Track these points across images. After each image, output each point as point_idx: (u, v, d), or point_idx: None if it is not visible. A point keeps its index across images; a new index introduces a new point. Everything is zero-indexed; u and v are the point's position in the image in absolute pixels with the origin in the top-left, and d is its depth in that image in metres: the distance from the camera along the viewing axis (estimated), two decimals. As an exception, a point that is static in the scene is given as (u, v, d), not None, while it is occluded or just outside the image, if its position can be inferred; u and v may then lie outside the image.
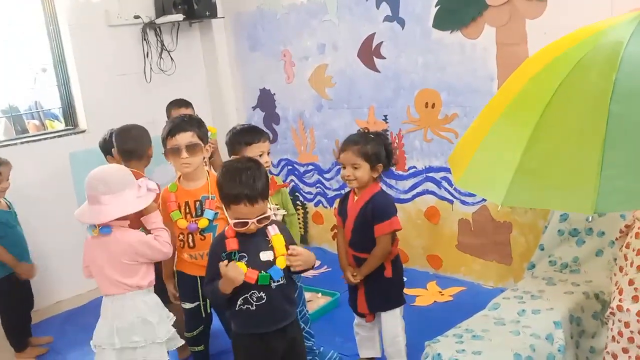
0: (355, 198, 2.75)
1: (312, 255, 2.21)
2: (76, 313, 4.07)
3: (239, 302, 2.16)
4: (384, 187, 4.06)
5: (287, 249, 2.16)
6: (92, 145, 4.06)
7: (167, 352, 2.58)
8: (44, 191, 4.06)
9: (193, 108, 4.02)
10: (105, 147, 3.53)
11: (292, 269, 2.17)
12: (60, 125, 4.81)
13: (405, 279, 3.84)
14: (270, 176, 2.84)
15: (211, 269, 2.20)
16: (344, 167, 2.71)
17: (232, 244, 2.15)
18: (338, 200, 2.98)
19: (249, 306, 2.16)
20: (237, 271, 2.08)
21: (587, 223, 2.96)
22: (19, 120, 5.49)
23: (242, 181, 2.10)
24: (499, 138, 2.05)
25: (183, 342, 2.67)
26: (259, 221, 2.13)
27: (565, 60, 1.95)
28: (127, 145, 3.19)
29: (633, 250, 2.21)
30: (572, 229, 3.00)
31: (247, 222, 2.11)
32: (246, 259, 2.15)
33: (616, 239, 2.50)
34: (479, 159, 2.08)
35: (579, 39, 2.04)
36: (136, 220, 2.58)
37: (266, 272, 2.13)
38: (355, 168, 2.67)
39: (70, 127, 4.44)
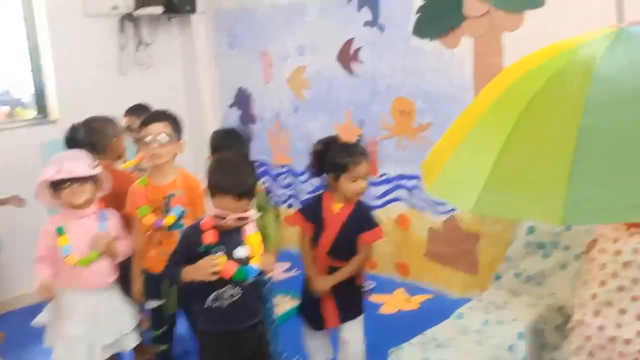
0: (337, 206, 2.65)
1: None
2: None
3: (210, 298, 2.13)
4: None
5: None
6: (63, 135, 3.98)
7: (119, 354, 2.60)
8: (12, 181, 3.92)
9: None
10: (70, 142, 3.36)
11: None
12: (31, 114, 4.71)
13: (374, 284, 3.87)
14: None
15: (179, 253, 2.19)
16: (355, 180, 2.58)
17: (210, 237, 2.12)
18: (304, 205, 2.89)
19: (220, 304, 2.13)
20: (209, 269, 2.06)
21: (553, 237, 2.99)
22: (-13, 107, 5.36)
23: (234, 174, 2.10)
24: (471, 147, 2.06)
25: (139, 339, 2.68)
26: (238, 219, 2.11)
27: (540, 73, 1.97)
28: (87, 139, 3.09)
29: (597, 265, 2.23)
30: (538, 241, 3.02)
31: (226, 217, 2.09)
32: (224, 252, 2.12)
33: (581, 253, 2.54)
34: (451, 166, 2.08)
35: (554, 52, 2.06)
36: None
37: (243, 268, 2.10)
38: (365, 177, 2.62)
39: (42, 116, 4.36)
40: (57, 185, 2.46)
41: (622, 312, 2.12)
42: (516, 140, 1.88)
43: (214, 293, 2.14)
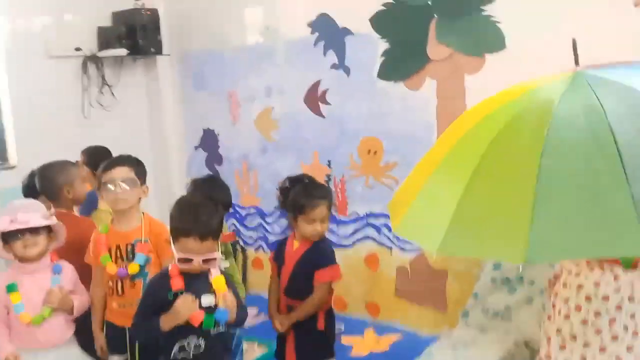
0: (296, 244, 2.70)
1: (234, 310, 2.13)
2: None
3: (174, 350, 2.08)
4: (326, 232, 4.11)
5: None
6: (22, 182, 3.92)
7: None
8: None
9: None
10: (27, 190, 3.31)
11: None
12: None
13: (342, 328, 3.86)
14: None
15: (146, 306, 2.12)
16: (313, 222, 2.63)
17: (178, 283, 2.07)
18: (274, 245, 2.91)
19: (186, 356, 2.08)
20: (189, 305, 2.01)
21: (518, 272, 3.04)
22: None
23: (196, 215, 2.06)
24: (435, 188, 2.10)
25: None
26: (204, 261, 2.06)
27: (500, 116, 2.03)
28: (40, 187, 3.06)
29: (561, 299, 2.28)
30: (504, 277, 3.08)
31: (192, 260, 2.04)
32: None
33: (545, 288, 2.59)
34: (416, 207, 2.12)
35: (511, 96, 2.14)
36: None
37: (211, 315, 2.05)
38: (323, 222, 2.65)
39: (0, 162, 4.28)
40: (9, 237, 2.40)
41: (587, 345, 2.17)
42: (478, 181, 1.93)
43: (177, 344, 2.08)
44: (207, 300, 2.08)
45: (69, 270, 2.57)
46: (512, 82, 2.22)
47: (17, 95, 4.20)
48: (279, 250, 2.80)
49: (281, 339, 2.76)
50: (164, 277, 2.12)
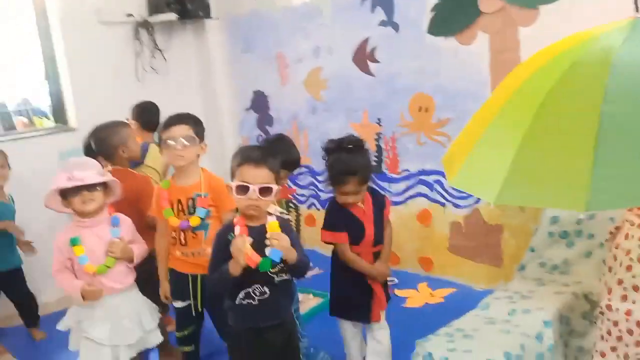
0: (361, 205, 2.72)
1: (292, 249, 2.14)
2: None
3: (240, 296, 2.16)
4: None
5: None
6: (82, 143, 4.05)
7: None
8: (32, 191, 3.96)
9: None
10: (87, 151, 3.43)
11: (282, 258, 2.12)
12: (49, 123, 4.79)
13: (395, 280, 3.91)
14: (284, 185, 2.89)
15: (217, 256, 2.17)
16: (345, 194, 2.65)
17: (242, 230, 2.12)
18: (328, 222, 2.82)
19: (251, 301, 2.15)
20: (240, 244, 2.05)
21: (576, 226, 3.01)
22: (7, 117, 5.43)
23: (251, 149, 2.19)
24: (492, 139, 2.09)
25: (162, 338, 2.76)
26: (261, 191, 2.09)
27: (558, 64, 2.00)
28: (96, 148, 3.17)
29: (622, 251, 2.25)
30: (562, 231, 3.04)
31: (248, 187, 2.08)
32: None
33: (605, 240, 2.55)
34: (472, 158, 2.12)
35: (571, 44, 2.09)
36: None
37: (267, 257, 2.09)
38: (355, 194, 2.66)
39: (60, 125, 4.43)
40: (67, 193, 2.50)
41: (649, 296, 2.15)
42: (537, 130, 1.92)
43: (244, 291, 2.16)
44: (266, 252, 2.11)
45: (126, 222, 2.68)
46: (567, 33, 2.17)
47: (73, 61, 4.33)
48: (340, 222, 2.76)
49: (359, 296, 2.76)
50: (228, 228, 2.17)
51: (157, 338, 2.74)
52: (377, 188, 2.83)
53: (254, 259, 2.08)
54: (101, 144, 3.13)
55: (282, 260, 2.13)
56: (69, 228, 2.58)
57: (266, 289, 2.15)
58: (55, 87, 4.39)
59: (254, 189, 2.08)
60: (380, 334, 2.77)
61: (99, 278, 2.54)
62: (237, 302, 2.17)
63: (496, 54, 3.44)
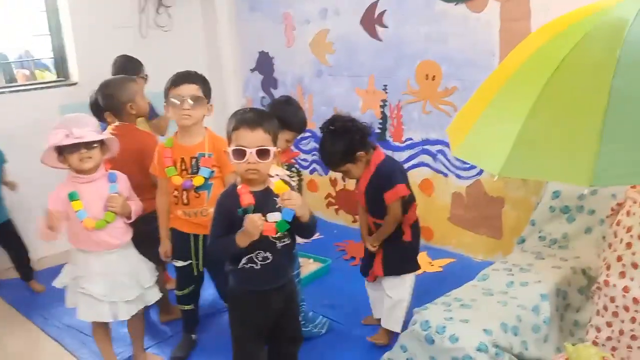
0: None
1: (306, 205, 2.13)
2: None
3: (242, 262, 2.14)
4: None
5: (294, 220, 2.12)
6: (83, 98, 4.00)
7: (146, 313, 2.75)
8: (31, 143, 3.94)
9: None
10: (93, 107, 3.44)
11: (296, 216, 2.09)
12: (51, 76, 4.74)
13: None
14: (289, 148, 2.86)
15: (218, 224, 2.14)
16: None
17: (248, 199, 2.07)
18: None
19: (254, 265, 2.14)
20: (257, 224, 2.02)
21: (578, 201, 2.99)
22: (8, 68, 5.39)
23: (244, 112, 2.14)
24: (499, 109, 2.06)
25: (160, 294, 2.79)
26: (258, 154, 2.05)
27: (569, 35, 1.95)
28: (103, 104, 3.12)
29: (623, 228, 2.24)
30: (563, 205, 3.03)
31: (245, 151, 2.04)
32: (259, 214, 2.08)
33: (607, 217, 2.54)
34: (478, 129, 2.09)
35: (583, 15, 2.04)
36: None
37: (280, 220, 2.07)
38: (347, 172, 2.77)
39: (62, 78, 4.38)
40: (64, 150, 2.47)
41: (647, 273, 2.14)
42: (545, 102, 1.89)
43: (246, 257, 2.14)
44: (273, 217, 2.10)
45: (123, 179, 2.66)
46: (580, 3, 2.12)
47: (77, 15, 4.25)
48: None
49: (368, 255, 2.92)
50: (231, 195, 2.12)
51: (156, 295, 2.75)
52: (388, 170, 2.75)
53: (271, 229, 2.07)
54: (109, 100, 3.08)
55: (295, 219, 2.10)
56: (65, 183, 2.56)
57: (269, 254, 2.14)
58: (57, 40, 4.33)
59: (250, 152, 2.04)
60: (390, 289, 2.84)
61: (97, 233, 2.54)
62: (239, 266, 2.16)
63: (506, 23, 3.37)
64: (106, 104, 3.10)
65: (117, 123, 3.05)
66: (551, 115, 1.86)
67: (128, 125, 3.05)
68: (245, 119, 2.09)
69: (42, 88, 4.28)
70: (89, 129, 2.48)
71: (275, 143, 2.14)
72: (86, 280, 2.57)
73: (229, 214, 2.10)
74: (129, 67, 3.73)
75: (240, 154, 2.06)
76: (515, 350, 2.34)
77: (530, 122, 1.88)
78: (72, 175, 2.55)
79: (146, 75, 3.82)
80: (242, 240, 2.06)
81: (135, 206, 2.65)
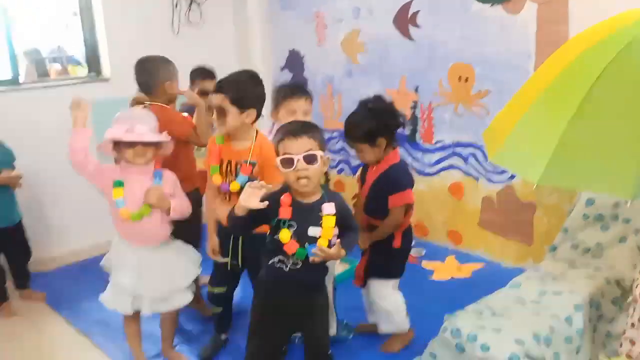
0: (375, 167, 2.75)
1: (341, 253, 2.15)
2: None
3: (274, 259, 2.16)
4: (409, 160, 4.06)
5: (342, 221, 2.14)
6: (115, 94, 4.04)
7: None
8: (62, 138, 3.99)
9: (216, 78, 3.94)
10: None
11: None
12: (83, 71, 4.78)
13: (422, 253, 3.88)
14: None
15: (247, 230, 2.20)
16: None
17: (285, 213, 2.10)
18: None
19: (283, 267, 2.15)
20: (249, 198, 2.04)
21: (613, 209, 2.93)
22: (41, 63, 5.45)
23: (291, 124, 2.17)
24: (539, 116, 2.02)
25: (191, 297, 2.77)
26: (306, 159, 2.06)
27: (613, 43, 1.91)
28: (138, 78, 3.08)
29: (662, 240, 2.19)
30: (597, 214, 2.97)
31: (293, 159, 2.05)
32: (294, 229, 2.10)
33: (644, 227, 2.49)
34: (516, 135, 2.05)
35: (628, 21, 1.99)
36: None
37: (305, 248, 2.10)
38: (361, 151, 2.70)
39: (94, 74, 4.42)
40: (122, 142, 2.52)
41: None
42: (587, 110, 1.84)
43: (278, 257, 2.15)
44: (313, 231, 2.11)
45: (169, 176, 2.67)
46: (621, 7, 2.07)
47: (109, 11, 4.28)
48: (363, 170, 2.85)
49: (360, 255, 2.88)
50: (276, 200, 2.11)
51: (187, 298, 2.75)
52: (400, 173, 2.71)
53: (292, 248, 2.10)
54: (146, 76, 3.04)
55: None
56: (119, 168, 2.61)
57: (299, 261, 2.14)
58: (90, 36, 4.36)
59: (298, 158, 2.05)
60: (380, 298, 2.81)
61: (133, 225, 2.56)
62: (270, 262, 2.18)
63: (543, 25, 3.31)
64: (143, 78, 3.06)
65: (148, 103, 3.00)
66: (594, 124, 1.82)
67: (161, 106, 3.00)
68: (289, 130, 2.11)
69: (74, 84, 4.31)
70: (149, 127, 2.53)
71: (323, 150, 2.13)
72: (117, 269, 2.62)
73: (263, 212, 2.08)
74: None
75: (288, 162, 2.06)
76: (548, 362, 2.29)
77: (571, 131, 1.84)
78: (123, 164, 2.59)
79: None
80: (238, 208, 2.08)
81: (176, 203, 2.63)
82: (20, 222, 3.52)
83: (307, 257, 2.11)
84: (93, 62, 4.42)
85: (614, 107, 1.81)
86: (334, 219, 2.12)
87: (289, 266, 2.16)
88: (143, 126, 2.50)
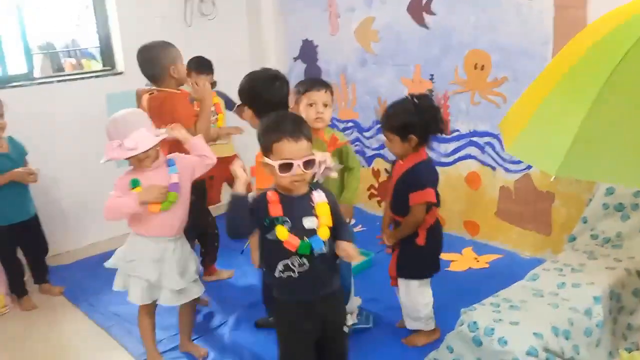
0: (401, 162, 2.71)
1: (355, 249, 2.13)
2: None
3: (279, 269, 2.07)
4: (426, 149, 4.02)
5: (333, 216, 2.07)
6: (129, 87, 4.02)
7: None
8: (77, 131, 4.07)
9: (214, 71, 3.92)
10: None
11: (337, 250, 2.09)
12: (97, 65, 4.79)
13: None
14: (331, 133, 2.77)
15: (244, 220, 2.07)
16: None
17: (276, 210, 2.02)
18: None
19: (291, 274, 2.06)
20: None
21: (633, 198, 2.87)
22: (55, 58, 5.47)
23: (284, 121, 2.04)
24: (556, 105, 1.97)
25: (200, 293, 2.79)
26: (305, 165, 1.99)
27: (633, 27, 1.85)
28: (142, 68, 3.05)
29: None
30: (617, 203, 2.92)
31: (292, 164, 1.97)
32: (289, 224, 2.03)
33: (667, 217, 2.43)
34: (533, 125, 2.00)
35: (648, 5, 1.93)
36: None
37: (307, 241, 2.02)
38: (390, 141, 2.66)
39: (108, 68, 4.43)
40: None
41: None
42: (607, 99, 1.79)
43: (281, 263, 2.07)
44: (309, 223, 2.04)
45: (181, 159, 2.69)
46: (641, -10, 2.01)
47: (122, 4, 4.28)
48: (393, 166, 2.83)
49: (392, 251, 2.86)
50: (264, 201, 2.05)
51: (199, 290, 2.77)
52: (423, 171, 2.66)
53: (294, 242, 2.01)
54: (149, 65, 3.02)
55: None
56: (130, 171, 2.61)
57: (305, 261, 2.05)
58: (104, 29, 4.36)
59: (298, 164, 1.98)
60: (403, 295, 2.80)
61: (152, 219, 2.58)
62: (276, 274, 2.08)
63: (561, 10, 3.24)
64: (146, 68, 3.03)
65: (154, 90, 3.00)
66: (613, 113, 1.77)
67: (168, 91, 2.98)
68: (286, 129, 2.00)
69: (88, 77, 4.32)
70: (140, 133, 2.49)
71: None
72: (139, 264, 2.62)
73: (258, 215, 2.04)
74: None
75: (287, 167, 1.99)
76: (567, 355, 2.26)
77: (589, 120, 1.79)
78: (135, 165, 2.60)
79: (215, 81, 3.85)
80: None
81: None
82: (35, 216, 3.53)
83: (312, 252, 2.03)
84: (107, 55, 4.42)
85: (633, 95, 1.75)
86: (327, 205, 2.07)
87: (297, 270, 2.06)
88: (133, 133, 2.47)
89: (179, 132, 2.68)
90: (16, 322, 3.35)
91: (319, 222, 2.05)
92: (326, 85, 2.74)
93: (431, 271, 2.81)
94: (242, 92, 2.70)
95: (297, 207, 2.05)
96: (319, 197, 2.07)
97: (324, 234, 2.05)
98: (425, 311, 2.78)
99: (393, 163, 2.82)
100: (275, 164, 1.99)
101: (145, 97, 3.04)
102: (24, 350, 3.09)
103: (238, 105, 3.46)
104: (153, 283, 2.62)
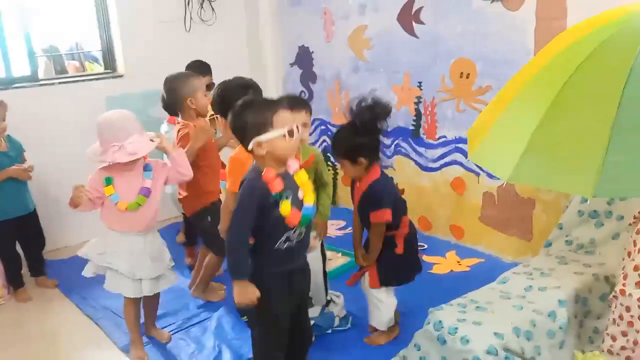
0: (358, 183, 2.80)
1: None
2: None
3: (281, 239, 2.18)
4: (414, 155, 4.11)
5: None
6: (129, 90, 4.17)
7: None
8: (78, 132, 4.16)
9: (212, 73, 4.03)
10: (165, 104, 3.61)
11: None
12: (100, 68, 4.93)
13: (425, 246, 3.92)
14: (311, 152, 2.83)
15: (250, 212, 2.11)
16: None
17: (278, 185, 2.10)
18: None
19: (290, 243, 2.20)
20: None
21: (607, 206, 2.94)
22: (59, 60, 5.62)
23: (268, 99, 2.29)
24: (514, 115, 2.06)
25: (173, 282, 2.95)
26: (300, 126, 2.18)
27: (589, 41, 1.94)
28: (166, 95, 3.25)
29: (642, 238, 2.21)
30: (592, 210, 2.98)
31: (294, 129, 2.12)
32: (290, 198, 2.13)
33: (630, 224, 2.50)
34: (493, 134, 2.10)
35: (606, 20, 2.02)
36: None
37: (305, 212, 2.17)
38: (343, 166, 2.76)
39: (109, 70, 4.56)
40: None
41: (665, 284, 2.11)
42: (557, 110, 1.88)
43: (285, 234, 2.18)
44: (300, 193, 2.20)
45: (157, 166, 2.82)
46: (617, 2, 2.09)
47: (123, 8, 4.41)
48: (352, 186, 2.89)
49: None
50: (260, 182, 2.11)
51: (174, 279, 2.95)
52: (378, 192, 2.72)
53: (296, 218, 2.15)
54: (171, 95, 3.21)
55: None
56: (105, 168, 2.73)
57: (302, 230, 2.23)
58: (106, 33, 4.50)
59: (297, 125, 2.15)
60: (378, 293, 2.87)
61: (127, 215, 2.72)
62: (276, 246, 2.18)
63: (542, 22, 3.32)
64: (168, 98, 3.25)
65: (179, 121, 3.20)
66: (562, 124, 1.86)
67: (184, 123, 3.15)
68: (278, 102, 2.22)
69: (89, 80, 4.46)
70: (135, 138, 2.63)
71: None
72: (112, 256, 2.76)
73: (262, 200, 2.11)
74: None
75: (291, 132, 2.12)
76: (528, 355, 2.33)
77: (541, 130, 1.88)
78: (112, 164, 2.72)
79: (213, 83, 3.92)
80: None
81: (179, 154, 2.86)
82: (34, 211, 3.68)
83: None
84: (108, 59, 4.56)
85: (581, 106, 1.84)
86: (305, 173, 2.22)
87: (295, 240, 2.21)
88: (130, 138, 2.61)
89: (166, 143, 2.80)
90: (11, 313, 3.50)
91: (303, 190, 2.19)
92: (306, 106, 2.78)
93: (414, 273, 2.92)
94: (215, 102, 2.81)
95: (287, 180, 2.17)
96: (294, 166, 2.19)
97: (311, 199, 2.19)
98: (390, 312, 2.88)
99: (352, 184, 2.87)
100: (283, 130, 2.10)
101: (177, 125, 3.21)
102: (18, 338, 3.23)
103: (211, 116, 3.51)
104: (127, 275, 2.74)
